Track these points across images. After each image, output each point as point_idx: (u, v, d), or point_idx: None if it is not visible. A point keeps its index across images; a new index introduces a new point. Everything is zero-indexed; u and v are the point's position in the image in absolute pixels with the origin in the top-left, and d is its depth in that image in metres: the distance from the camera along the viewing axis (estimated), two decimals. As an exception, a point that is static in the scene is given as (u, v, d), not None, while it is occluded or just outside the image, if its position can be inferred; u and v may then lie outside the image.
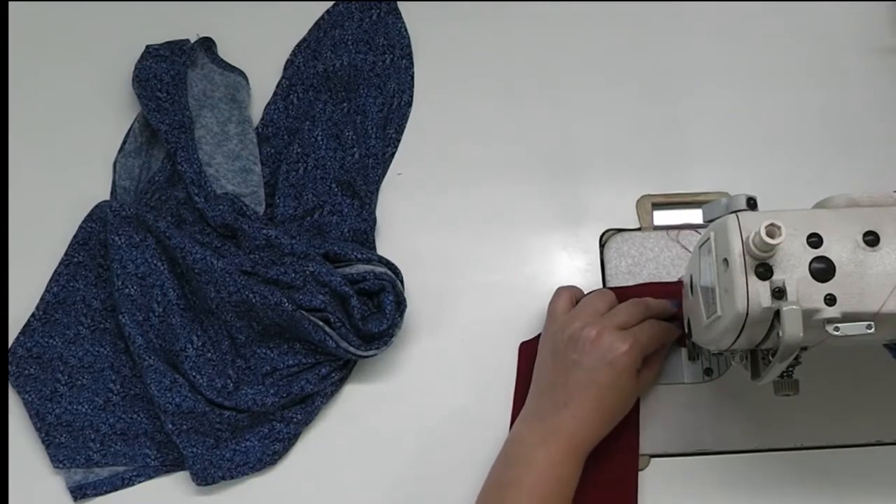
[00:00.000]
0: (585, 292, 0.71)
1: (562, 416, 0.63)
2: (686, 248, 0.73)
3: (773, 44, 0.82)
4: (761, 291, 0.51)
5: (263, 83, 0.81)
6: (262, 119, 0.80)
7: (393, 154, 0.79)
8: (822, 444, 0.70)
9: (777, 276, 0.51)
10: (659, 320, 0.68)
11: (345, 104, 0.79)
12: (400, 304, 0.71)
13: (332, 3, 0.83)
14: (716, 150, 0.78)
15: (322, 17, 0.83)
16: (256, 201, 0.77)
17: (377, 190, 0.77)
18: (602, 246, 0.76)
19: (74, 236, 0.75)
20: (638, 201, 0.77)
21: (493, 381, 0.72)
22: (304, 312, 0.68)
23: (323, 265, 0.70)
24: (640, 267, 0.75)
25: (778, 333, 0.51)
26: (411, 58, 0.81)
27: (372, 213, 0.76)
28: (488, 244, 0.76)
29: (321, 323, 0.69)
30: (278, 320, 0.69)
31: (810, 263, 0.52)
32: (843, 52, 0.81)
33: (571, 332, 0.65)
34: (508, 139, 0.79)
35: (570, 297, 0.69)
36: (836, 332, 0.51)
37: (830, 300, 0.51)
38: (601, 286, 0.74)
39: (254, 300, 0.69)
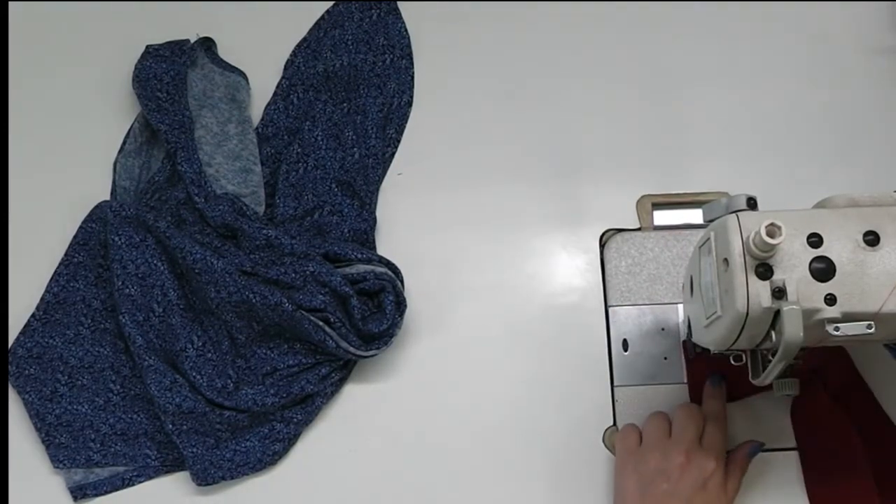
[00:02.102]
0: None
1: None
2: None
3: (773, 44, 0.82)
4: (761, 291, 0.51)
5: (263, 83, 0.81)
6: (262, 119, 0.80)
7: (393, 154, 0.79)
8: (822, 444, 0.70)
9: (777, 276, 0.51)
10: (714, 412, 0.67)
11: (345, 104, 0.79)
12: (400, 304, 0.71)
13: (332, 3, 0.83)
14: (716, 150, 0.78)
15: (322, 17, 0.83)
16: (256, 201, 0.77)
17: (377, 190, 0.77)
18: (602, 246, 0.76)
19: (74, 236, 0.75)
20: (638, 201, 0.77)
21: (493, 381, 0.72)
22: (304, 312, 0.68)
23: (323, 265, 0.70)
24: (640, 267, 0.75)
25: (778, 333, 0.51)
26: (411, 58, 0.81)
27: (372, 213, 0.76)
28: (488, 244, 0.76)
29: (321, 323, 0.69)
30: (278, 320, 0.69)
31: (810, 263, 0.52)
32: (843, 52, 0.81)
33: (656, 463, 0.64)
34: (508, 139, 0.79)
35: (636, 431, 0.67)
36: (836, 332, 0.51)
37: (830, 300, 0.51)
38: (601, 286, 0.74)
39: (254, 300, 0.69)
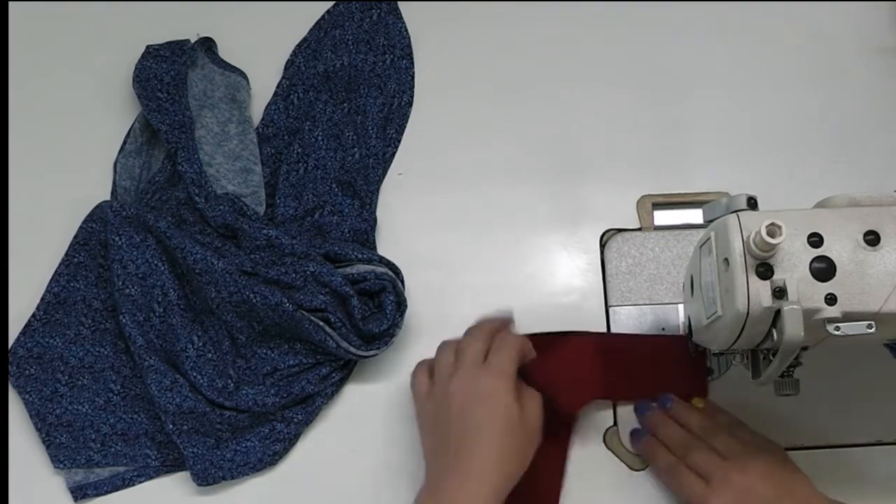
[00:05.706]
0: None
1: (454, 479, 0.58)
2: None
3: (773, 44, 0.82)
4: (762, 291, 0.51)
5: (264, 83, 0.81)
6: (263, 119, 0.80)
7: (393, 154, 0.79)
8: (821, 444, 0.70)
9: (777, 276, 0.51)
10: (507, 333, 0.65)
11: (345, 104, 0.79)
12: (400, 305, 0.71)
13: (332, 4, 0.83)
14: (716, 150, 0.78)
15: (322, 18, 0.83)
16: (257, 201, 0.77)
17: (377, 190, 0.77)
18: (602, 246, 0.76)
19: (75, 236, 0.75)
20: (638, 201, 0.77)
21: (494, 381, 0.72)
22: (304, 313, 0.68)
23: (323, 265, 0.70)
24: (641, 267, 0.75)
25: (778, 333, 0.51)
26: (411, 58, 0.81)
27: (372, 213, 0.76)
28: (488, 244, 0.76)
29: (322, 323, 0.69)
30: (279, 320, 0.69)
31: (811, 263, 0.52)
32: (843, 52, 0.81)
33: (435, 396, 0.63)
34: (508, 139, 0.79)
35: (426, 371, 0.65)
36: (836, 332, 0.51)
37: (831, 300, 0.51)
38: (601, 286, 0.74)
39: (254, 300, 0.69)
